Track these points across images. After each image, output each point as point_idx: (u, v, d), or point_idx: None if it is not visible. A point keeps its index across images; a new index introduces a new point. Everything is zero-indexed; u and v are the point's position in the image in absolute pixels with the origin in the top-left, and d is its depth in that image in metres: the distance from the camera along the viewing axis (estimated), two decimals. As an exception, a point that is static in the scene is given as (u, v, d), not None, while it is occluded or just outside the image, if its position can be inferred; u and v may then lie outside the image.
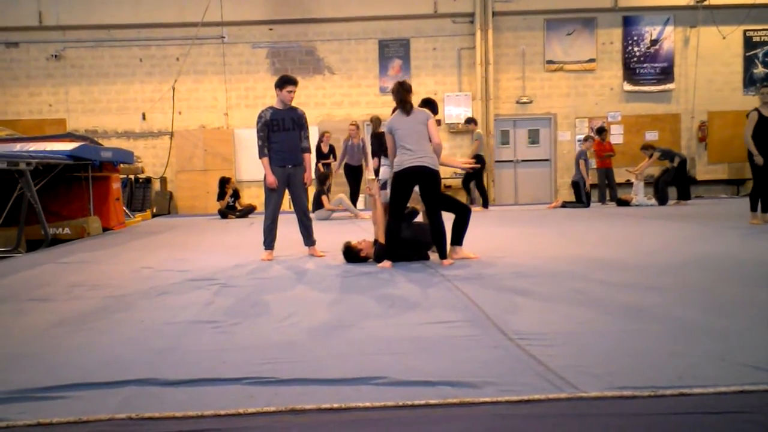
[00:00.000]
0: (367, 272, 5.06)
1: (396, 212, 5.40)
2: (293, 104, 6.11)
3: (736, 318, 3.20)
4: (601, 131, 13.52)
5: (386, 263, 5.35)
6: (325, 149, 12.03)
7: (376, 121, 10.93)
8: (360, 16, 14.63)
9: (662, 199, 12.22)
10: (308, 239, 6.25)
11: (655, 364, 2.48)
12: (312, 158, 6.38)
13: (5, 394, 2.32)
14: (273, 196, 6.08)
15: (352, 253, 5.62)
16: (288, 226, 7.15)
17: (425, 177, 5.29)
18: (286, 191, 6.19)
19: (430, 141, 5.36)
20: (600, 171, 13.39)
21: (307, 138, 6.23)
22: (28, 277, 5.50)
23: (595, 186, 13.18)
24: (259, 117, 6.02)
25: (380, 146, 9.33)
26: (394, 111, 5.53)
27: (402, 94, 5.38)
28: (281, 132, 5.97)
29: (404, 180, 5.32)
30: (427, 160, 5.27)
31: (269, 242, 6.11)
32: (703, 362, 2.50)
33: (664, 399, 2.14)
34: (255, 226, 9.15)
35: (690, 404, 2.09)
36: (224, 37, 14.70)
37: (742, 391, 2.17)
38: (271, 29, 14.77)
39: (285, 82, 6.00)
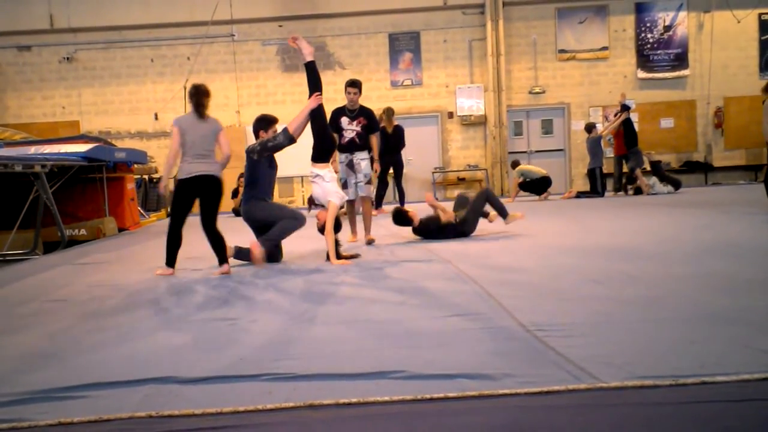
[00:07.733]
0: (382, 267, 5.06)
1: (179, 221, 5.31)
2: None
3: (759, 304, 3.15)
4: None
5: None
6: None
7: (389, 112, 10.41)
8: (369, 10, 14.61)
9: (675, 184, 12.09)
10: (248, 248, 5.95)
11: (676, 353, 2.45)
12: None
13: (27, 395, 2.34)
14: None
15: (402, 217, 6.51)
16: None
17: (211, 185, 5.29)
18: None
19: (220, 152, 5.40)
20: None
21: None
22: (46, 278, 5.56)
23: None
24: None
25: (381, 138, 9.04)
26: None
27: (198, 98, 5.29)
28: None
29: (189, 188, 5.26)
30: (214, 168, 5.31)
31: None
32: (726, 350, 2.46)
33: (686, 388, 2.11)
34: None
35: (712, 393, 2.06)
36: (234, 35, 14.73)
37: (766, 378, 2.14)
38: (280, 26, 14.78)
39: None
